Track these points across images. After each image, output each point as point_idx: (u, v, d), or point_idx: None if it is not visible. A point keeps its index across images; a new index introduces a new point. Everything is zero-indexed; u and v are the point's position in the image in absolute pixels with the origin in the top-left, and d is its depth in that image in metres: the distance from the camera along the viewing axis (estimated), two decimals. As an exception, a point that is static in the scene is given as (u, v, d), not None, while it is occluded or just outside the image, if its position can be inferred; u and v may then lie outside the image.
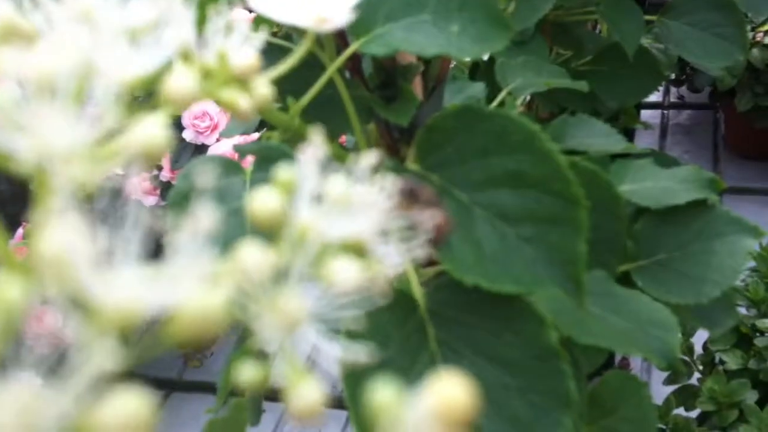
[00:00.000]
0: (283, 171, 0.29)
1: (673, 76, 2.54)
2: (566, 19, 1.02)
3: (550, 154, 0.58)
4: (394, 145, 0.74)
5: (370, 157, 0.31)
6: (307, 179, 0.29)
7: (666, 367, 0.63)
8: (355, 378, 0.55)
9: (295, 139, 0.66)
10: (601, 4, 0.94)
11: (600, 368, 0.86)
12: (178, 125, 1.63)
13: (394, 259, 0.30)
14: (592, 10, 0.98)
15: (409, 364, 0.57)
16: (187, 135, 1.52)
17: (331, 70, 0.63)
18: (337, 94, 0.66)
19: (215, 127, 1.45)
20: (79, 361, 0.18)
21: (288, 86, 0.70)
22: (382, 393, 0.24)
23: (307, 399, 0.25)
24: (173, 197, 0.56)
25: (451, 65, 0.96)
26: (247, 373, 0.26)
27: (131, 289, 0.20)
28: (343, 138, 0.81)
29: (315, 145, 0.30)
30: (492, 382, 0.56)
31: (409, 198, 0.32)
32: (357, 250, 0.29)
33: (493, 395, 0.55)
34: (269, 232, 0.29)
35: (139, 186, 1.60)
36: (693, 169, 0.80)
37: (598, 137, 0.81)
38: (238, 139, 1.18)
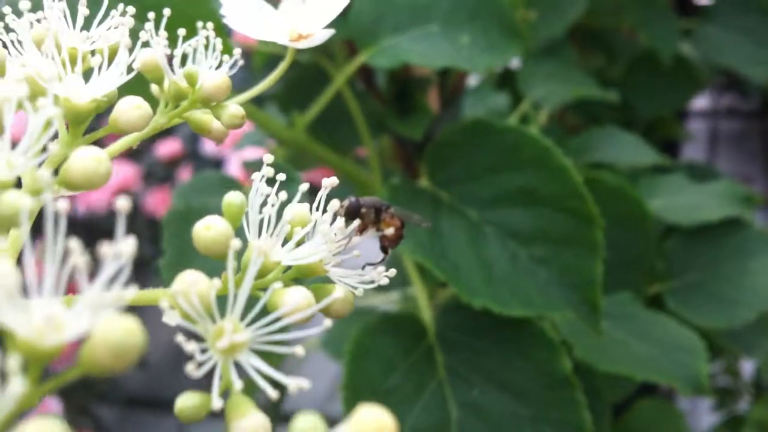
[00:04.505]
0: (231, 196, 0.28)
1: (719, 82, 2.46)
2: (597, 26, 0.98)
3: (563, 170, 0.54)
4: (409, 160, 0.71)
5: (328, 182, 0.29)
6: (258, 204, 0.27)
7: (691, 394, 0.59)
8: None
9: (301, 155, 0.64)
10: (634, 9, 0.90)
11: (635, 394, 0.82)
12: (197, 137, 1.63)
13: (350, 281, 0.29)
14: (624, 16, 0.94)
15: (416, 392, 0.54)
16: (208, 147, 1.51)
17: (338, 82, 0.61)
18: (347, 107, 0.64)
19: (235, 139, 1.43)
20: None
21: (294, 99, 0.68)
22: (303, 420, 0.22)
23: (248, 429, 0.23)
24: (168, 216, 0.54)
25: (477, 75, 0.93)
26: (186, 402, 0.25)
27: (42, 320, 0.19)
28: (361, 151, 0.78)
29: (265, 168, 0.28)
30: (502, 411, 0.53)
31: (355, 216, 0.31)
32: (312, 273, 0.28)
33: (503, 425, 0.52)
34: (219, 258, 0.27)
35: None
36: (727, 184, 0.76)
37: (626, 150, 0.77)
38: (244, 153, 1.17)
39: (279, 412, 1.08)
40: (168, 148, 1.81)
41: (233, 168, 1.45)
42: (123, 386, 1.98)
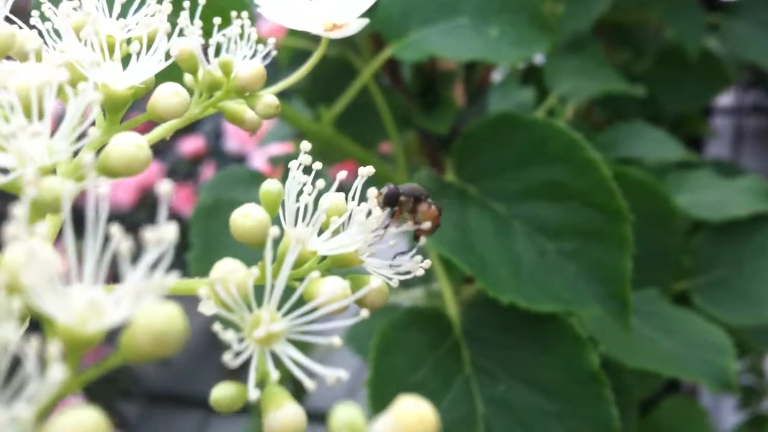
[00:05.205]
0: (269, 184, 0.28)
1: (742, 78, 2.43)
2: (624, 20, 0.97)
3: (592, 164, 0.54)
4: (434, 155, 0.71)
5: (364, 171, 0.29)
6: (295, 193, 0.27)
7: (718, 390, 0.58)
8: (382, 403, 0.53)
9: (326, 150, 0.64)
10: (659, 3, 0.89)
11: (661, 391, 0.81)
12: (220, 134, 1.64)
13: (386, 272, 0.28)
14: (650, 11, 0.93)
15: (442, 388, 0.54)
16: (230, 144, 1.52)
17: (365, 76, 0.61)
18: (373, 101, 0.64)
19: (258, 136, 1.44)
20: (33, 374, 0.17)
21: (320, 94, 0.68)
22: (342, 411, 0.22)
23: (284, 420, 0.23)
24: (196, 210, 0.54)
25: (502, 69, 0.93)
26: (223, 392, 0.25)
27: (83, 306, 0.19)
28: (384, 146, 0.78)
29: (303, 156, 0.28)
30: (529, 407, 0.53)
31: (394, 203, 0.30)
32: (347, 263, 0.28)
33: (530, 420, 0.52)
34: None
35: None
36: (755, 179, 0.75)
37: (653, 145, 0.77)
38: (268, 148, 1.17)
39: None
40: (191, 145, 1.82)
41: (256, 165, 1.45)
42: (145, 382, 1.99)
